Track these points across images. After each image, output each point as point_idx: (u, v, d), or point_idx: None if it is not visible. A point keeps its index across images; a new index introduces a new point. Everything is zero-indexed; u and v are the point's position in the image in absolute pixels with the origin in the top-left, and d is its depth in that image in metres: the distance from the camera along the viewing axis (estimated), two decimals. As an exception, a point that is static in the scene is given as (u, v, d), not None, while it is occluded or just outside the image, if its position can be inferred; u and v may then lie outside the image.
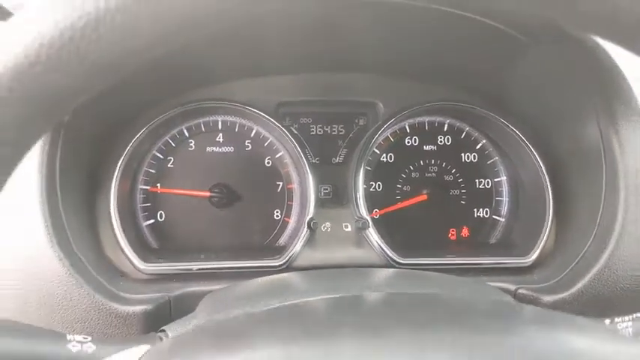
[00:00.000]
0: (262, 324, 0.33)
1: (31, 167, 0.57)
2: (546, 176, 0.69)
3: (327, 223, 0.69)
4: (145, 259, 0.64)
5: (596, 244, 0.59)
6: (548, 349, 0.29)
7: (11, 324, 0.45)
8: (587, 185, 0.63)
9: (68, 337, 0.45)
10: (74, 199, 0.61)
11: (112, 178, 0.67)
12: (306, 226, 0.67)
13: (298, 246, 0.66)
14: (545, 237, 0.67)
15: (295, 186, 0.74)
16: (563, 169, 0.68)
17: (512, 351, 0.28)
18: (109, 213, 0.66)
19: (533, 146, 0.71)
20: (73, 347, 0.38)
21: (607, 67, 0.58)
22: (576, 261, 0.61)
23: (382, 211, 0.75)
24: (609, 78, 0.59)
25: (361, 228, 0.67)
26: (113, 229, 0.65)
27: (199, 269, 0.63)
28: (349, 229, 0.69)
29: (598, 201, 0.61)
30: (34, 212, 0.56)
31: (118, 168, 0.67)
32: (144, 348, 0.35)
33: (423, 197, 0.75)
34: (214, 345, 0.31)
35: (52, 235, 0.56)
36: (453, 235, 0.76)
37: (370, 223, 0.67)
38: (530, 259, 0.66)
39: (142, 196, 0.73)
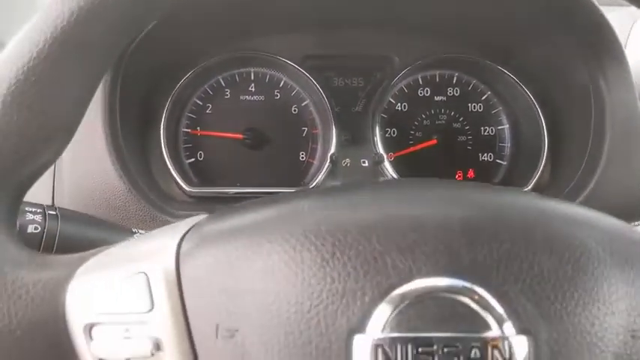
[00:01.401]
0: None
1: (95, 99, 0.67)
2: (543, 122, 0.78)
3: (347, 159, 0.79)
4: (189, 184, 0.74)
5: (585, 172, 0.68)
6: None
7: (88, 216, 0.55)
8: (579, 125, 0.72)
9: (134, 229, 0.55)
10: (130, 132, 0.71)
11: (161, 118, 0.77)
12: (328, 160, 0.77)
13: (321, 177, 0.76)
14: (539, 172, 0.76)
15: (319, 131, 0.84)
16: (558, 114, 0.77)
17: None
18: (160, 147, 0.76)
19: (533, 96, 0.79)
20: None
21: (591, 13, 0.67)
22: (567, 189, 0.69)
23: (396, 154, 0.84)
24: (597, 26, 0.67)
25: (377, 162, 0.77)
26: (163, 159, 0.76)
27: (236, 193, 0.73)
28: (366, 164, 0.79)
29: (587, 137, 0.69)
30: (100, 139, 0.67)
31: (165, 109, 0.78)
32: (191, 222, 0.38)
33: (434, 142, 0.84)
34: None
35: (115, 159, 0.66)
36: (459, 176, 0.85)
37: (385, 158, 0.77)
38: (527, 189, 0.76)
39: (184, 137, 0.83)
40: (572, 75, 0.71)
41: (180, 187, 0.75)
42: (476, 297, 0.32)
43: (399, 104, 0.85)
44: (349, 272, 0.32)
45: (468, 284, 0.32)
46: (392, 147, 0.84)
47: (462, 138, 0.85)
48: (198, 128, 0.84)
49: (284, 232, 0.34)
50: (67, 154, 0.68)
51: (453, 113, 0.85)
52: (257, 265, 0.33)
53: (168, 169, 0.76)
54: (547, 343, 0.31)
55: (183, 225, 0.38)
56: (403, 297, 0.32)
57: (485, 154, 0.85)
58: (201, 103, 0.84)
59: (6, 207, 0.38)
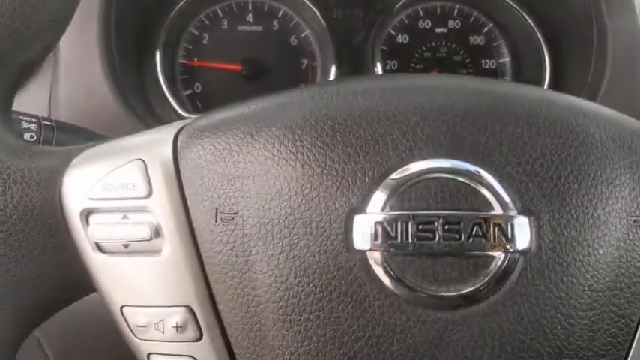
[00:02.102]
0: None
1: (90, 26, 0.66)
2: (546, 53, 0.77)
3: None
4: (186, 111, 0.74)
5: (587, 95, 0.67)
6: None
7: (85, 129, 0.54)
8: (581, 54, 0.71)
9: None
10: (127, 62, 0.71)
11: (156, 47, 0.76)
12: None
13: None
14: None
15: (318, 62, 0.82)
16: (560, 44, 0.76)
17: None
18: (157, 77, 0.75)
19: (535, 26, 0.78)
20: None
21: None
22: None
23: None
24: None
25: None
26: (161, 89, 0.75)
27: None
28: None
29: (589, 65, 0.69)
30: (96, 67, 0.66)
31: (160, 39, 0.77)
32: (188, 120, 0.37)
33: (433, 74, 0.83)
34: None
35: (113, 85, 0.66)
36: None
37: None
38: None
39: (181, 69, 0.82)
40: (573, 1, 0.70)
41: (178, 114, 0.74)
42: (478, 178, 0.32)
43: (399, 36, 0.84)
44: (350, 154, 0.32)
45: (470, 165, 0.32)
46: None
47: (463, 71, 0.84)
48: (195, 59, 0.82)
49: (284, 119, 0.34)
50: (63, 76, 0.68)
51: (453, 46, 0.84)
52: (257, 150, 0.33)
53: (166, 97, 0.75)
54: (549, 223, 0.31)
55: (179, 122, 0.37)
56: (404, 178, 0.32)
57: (486, 88, 0.84)
58: (197, 34, 0.82)
59: None
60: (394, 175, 0.32)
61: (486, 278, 0.31)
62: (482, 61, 0.84)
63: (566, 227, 0.32)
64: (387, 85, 0.35)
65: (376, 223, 0.31)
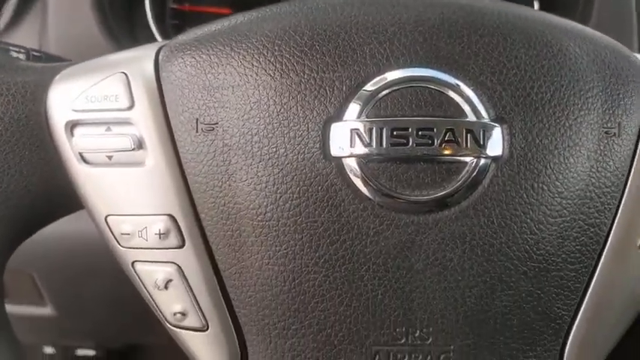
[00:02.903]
0: None
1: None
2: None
3: None
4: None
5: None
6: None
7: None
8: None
9: None
10: (117, 7, 0.71)
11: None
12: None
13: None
14: None
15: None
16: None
17: None
18: (147, 21, 0.75)
19: None
20: None
21: None
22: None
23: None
24: None
25: None
26: (151, 34, 0.75)
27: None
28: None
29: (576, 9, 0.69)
30: (86, 12, 0.66)
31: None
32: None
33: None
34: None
35: (104, 30, 0.66)
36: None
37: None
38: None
39: (171, 14, 0.82)
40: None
41: None
42: (452, 86, 0.32)
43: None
44: (328, 63, 0.32)
45: (444, 74, 0.32)
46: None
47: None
48: (186, 4, 0.82)
49: (264, 30, 0.34)
50: (53, 19, 0.68)
51: None
52: (236, 61, 0.33)
53: (156, 40, 0.75)
54: (521, 131, 0.32)
55: (163, 41, 0.38)
56: (380, 86, 0.32)
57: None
58: (188, -22, 0.82)
59: None
60: (370, 84, 0.32)
61: (458, 183, 0.32)
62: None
63: (538, 135, 0.33)
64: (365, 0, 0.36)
65: (352, 130, 0.32)
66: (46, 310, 0.74)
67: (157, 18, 0.79)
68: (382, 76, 0.32)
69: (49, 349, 0.93)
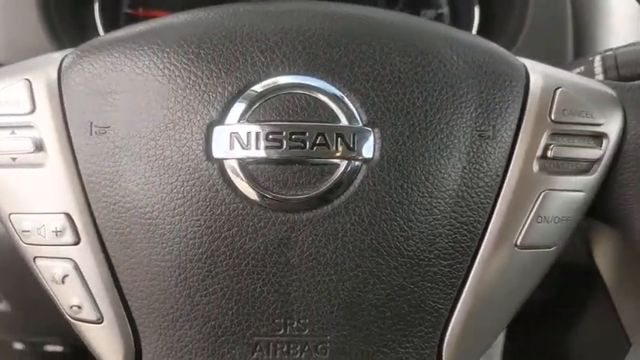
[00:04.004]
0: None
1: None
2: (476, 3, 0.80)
3: None
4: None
5: (506, 42, 0.69)
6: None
7: None
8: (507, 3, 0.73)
9: None
10: (65, 16, 0.72)
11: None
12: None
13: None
14: None
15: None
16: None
17: None
18: (95, 26, 0.77)
19: None
20: None
21: None
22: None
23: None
24: None
25: None
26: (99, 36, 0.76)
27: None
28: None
29: (513, 12, 0.71)
30: (32, 19, 0.68)
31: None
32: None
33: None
34: None
35: (53, 39, 0.68)
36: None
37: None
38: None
39: (125, 18, 0.84)
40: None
41: None
42: (327, 92, 0.34)
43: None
44: (212, 70, 0.34)
45: (321, 81, 0.34)
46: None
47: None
48: (140, 9, 0.84)
49: (155, 38, 0.36)
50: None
51: (392, -4, 0.86)
52: (129, 67, 0.35)
53: None
54: (392, 135, 0.34)
55: (71, 48, 0.40)
56: (260, 92, 0.34)
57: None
58: (143, -17, 0.84)
59: None
60: (251, 90, 0.34)
61: (330, 184, 0.34)
62: (422, 11, 0.86)
63: (409, 139, 0.35)
64: (257, 9, 0.38)
65: (232, 133, 0.34)
66: (2, 306, 0.76)
67: (111, 23, 0.81)
68: (263, 83, 0.34)
69: (18, 345, 0.95)
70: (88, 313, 0.36)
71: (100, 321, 0.36)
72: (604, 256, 0.64)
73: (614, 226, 0.41)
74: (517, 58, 0.40)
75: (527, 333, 0.76)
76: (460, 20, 0.84)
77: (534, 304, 0.76)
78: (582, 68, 0.55)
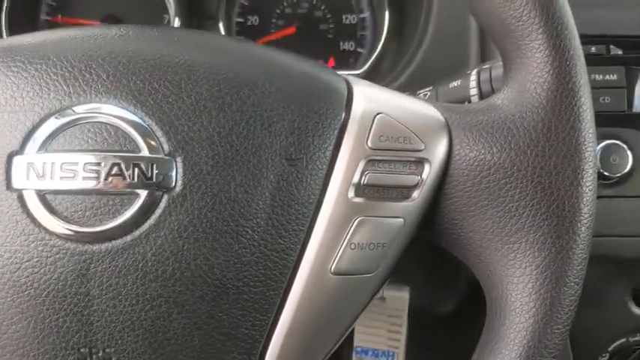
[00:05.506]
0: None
1: None
2: (387, 8, 0.80)
3: None
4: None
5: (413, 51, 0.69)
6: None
7: None
8: (415, 8, 0.73)
9: None
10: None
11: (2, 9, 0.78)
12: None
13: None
14: (375, 53, 0.78)
15: (172, 18, 0.84)
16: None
17: None
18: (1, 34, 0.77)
19: None
20: None
21: None
22: (397, 69, 0.71)
23: (258, 42, 0.85)
24: None
25: None
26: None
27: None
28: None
29: (419, 18, 0.71)
30: None
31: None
32: None
33: (292, 30, 0.84)
34: None
35: None
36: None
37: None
38: (361, 70, 0.78)
39: (44, 25, 0.83)
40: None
41: None
42: (130, 121, 0.34)
43: (260, -9, 0.85)
44: (15, 98, 0.34)
45: (123, 109, 0.34)
46: (254, 35, 0.85)
47: (324, 26, 0.85)
48: (59, 15, 0.84)
49: None
50: None
51: (315, 1, 0.85)
52: None
53: None
54: (196, 164, 0.34)
55: None
56: (61, 121, 0.34)
57: (347, 43, 0.86)
58: (61, -10, 0.84)
59: None
60: (52, 119, 0.34)
61: (129, 214, 0.34)
62: (344, 16, 0.86)
63: (214, 168, 0.34)
64: (67, 34, 0.37)
65: (29, 163, 0.34)
66: None
67: (28, 30, 0.80)
68: (64, 112, 0.34)
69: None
70: None
71: None
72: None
73: (452, 250, 0.41)
74: (351, 80, 0.40)
75: (437, 343, 0.76)
76: (379, 25, 0.83)
77: (444, 316, 0.77)
78: (459, 82, 0.54)
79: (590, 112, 0.38)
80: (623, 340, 0.67)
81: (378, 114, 0.37)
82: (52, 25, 0.83)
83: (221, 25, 0.80)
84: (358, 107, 0.37)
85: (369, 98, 0.38)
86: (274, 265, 0.36)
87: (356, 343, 0.65)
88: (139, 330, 0.35)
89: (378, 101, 0.38)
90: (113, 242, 0.34)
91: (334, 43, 0.86)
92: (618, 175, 0.63)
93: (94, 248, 0.34)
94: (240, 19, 0.83)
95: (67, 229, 0.34)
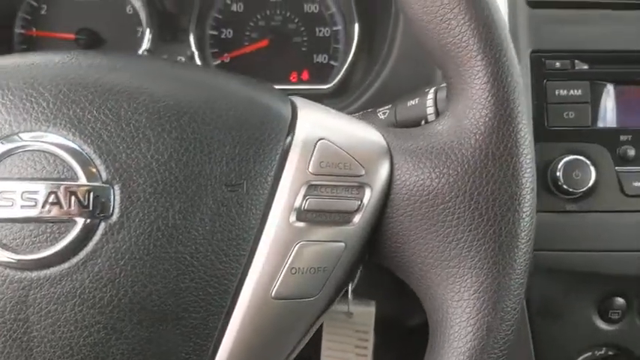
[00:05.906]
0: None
1: None
2: (356, 22, 0.81)
3: (165, 55, 0.81)
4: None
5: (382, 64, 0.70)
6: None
7: None
8: (384, 22, 0.73)
9: None
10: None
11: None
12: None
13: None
14: (345, 66, 0.79)
15: (145, 32, 0.84)
16: (373, 15, 0.78)
17: None
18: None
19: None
20: None
21: None
22: (366, 83, 0.71)
23: (232, 55, 0.85)
24: None
25: (191, 57, 0.79)
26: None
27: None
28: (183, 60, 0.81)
29: (387, 32, 0.71)
30: None
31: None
32: None
33: (264, 43, 0.84)
34: None
35: None
36: (294, 77, 0.86)
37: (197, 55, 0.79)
38: (331, 84, 0.78)
39: (19, 39, 0.84)
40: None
41: None
42: (68, 149, 0.34)
43: (234, 5, 0.86)
44: None
45: (61, 137, 0.34)
46: (228, 48, 0.85)
47: (297, 39, 0.86)
48: (34, 29, 0.84)
49: None
50: None
51: (288, 14, 0.86)
52: None
53: None
54: (134, 192, 0.34)
55: None
56: (3, 149, 0.34)
57: (320, 56, 0.86)
58: (36, 4, 0.84)
59: None
60: None
61: (67, 242, 0.34)
62: (317, 29, 0.86)
63: (152, 195, 0.35)
64: (13, 62, 0.38)
65: None
66: None
67: (4, 44, 0.81)
68: (8, 139, 0.35)
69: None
70: None
71: None
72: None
73: (396, 272, 0.41)
74: (298, 103, 0.40)
75: (407, 356, 0.77)
76: (350, 38, 0.84)
77: (414, 328, 0.77)
78: (417, 100, 0.55)
79: (529, 138, 0.38)
80: (589, 354, 0.68)
81: (319, 139, 0.38)
82: (26, 39, 0.84)
83: (192, 39, 0.81)
84: (301, 133, 0.38)
85: (312, 123, 0.39)
86: (214, 291, 0.36)
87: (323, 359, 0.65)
88: (78, 356, 0.35)
89: (322, 126, 0.39)
90: (51, 269, 0.34)
91: (308, 56, 0.86)
92: (582, 190, 0.63)
93: (33, 275, 0.34)
94: (214, 32, 0.84)
95: (6, 256, 0.34)
